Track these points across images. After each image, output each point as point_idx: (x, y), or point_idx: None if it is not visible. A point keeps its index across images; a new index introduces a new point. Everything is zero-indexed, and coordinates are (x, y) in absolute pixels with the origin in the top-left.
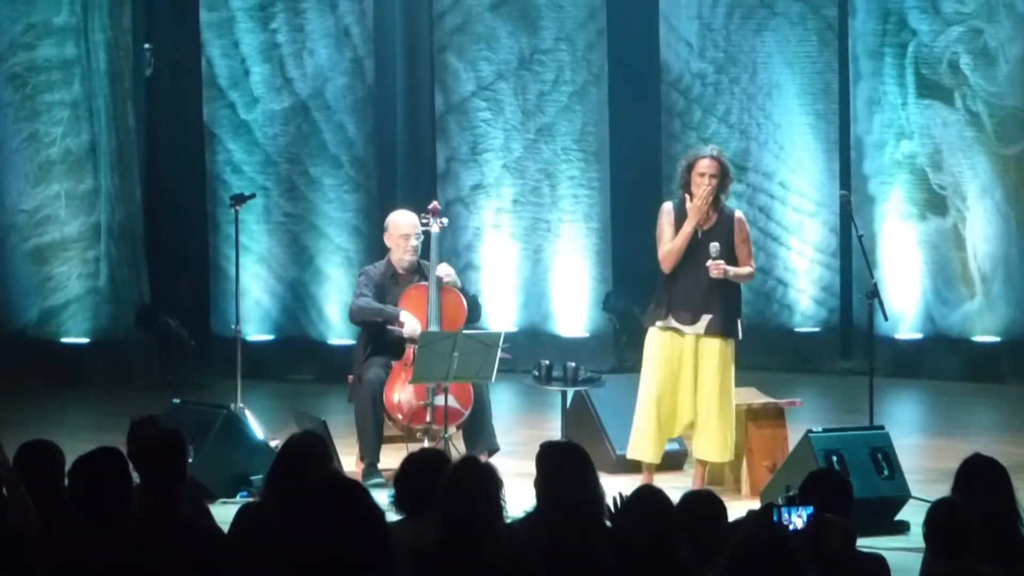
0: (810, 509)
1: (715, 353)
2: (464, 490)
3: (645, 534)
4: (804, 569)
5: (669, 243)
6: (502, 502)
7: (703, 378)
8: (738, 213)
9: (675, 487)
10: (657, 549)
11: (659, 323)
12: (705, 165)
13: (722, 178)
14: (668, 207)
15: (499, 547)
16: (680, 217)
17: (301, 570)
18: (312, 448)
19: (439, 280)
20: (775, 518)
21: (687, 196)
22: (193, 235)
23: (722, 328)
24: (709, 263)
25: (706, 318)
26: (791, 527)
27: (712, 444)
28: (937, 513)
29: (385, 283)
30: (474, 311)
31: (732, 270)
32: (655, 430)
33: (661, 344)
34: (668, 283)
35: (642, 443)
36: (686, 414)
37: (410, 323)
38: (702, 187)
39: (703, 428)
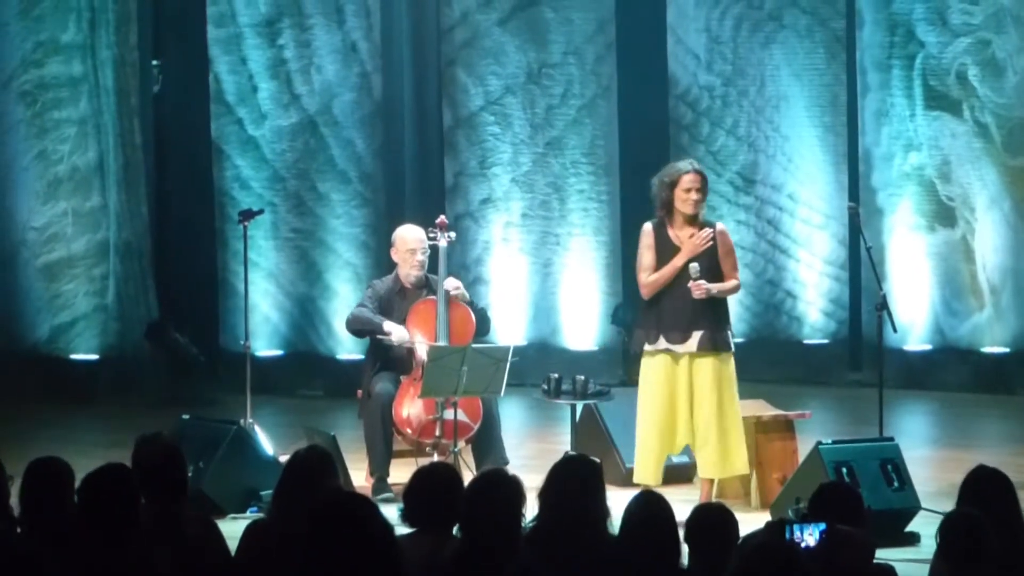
0: (822, 526)
1: (709, 370)
2: (488, 503)
3: (645, 541)
4: None
5: (649, 271)
6: (522, 516)
7: (699, 397)
8: (720, 226)
9: (685, 500)
10: (658, 556)
11: (648, 346)
12: (690, 180)
13: (705, 191)
14: (647, 229)
15: (515, 561)
16: (660, 239)
17: None
18: (317, 463)
19: (447, 294)
20: (787, 535)
21: (665, 216)
22: (202, 251)
23: (713, 343)
24: (691, 284)
25: (696, 335)
26: (803, 544)
27: (712, 461)
28: (953, 524)
29: (392, 298)
30: (483, 324)
31: (715, 287)
32: (657, 453)
33: (656, 367)
34: (653, 305)
35: (646, 467)
36: (683, 435)
37: (397, 332)
38: (687, 203)
39: (703, 447)
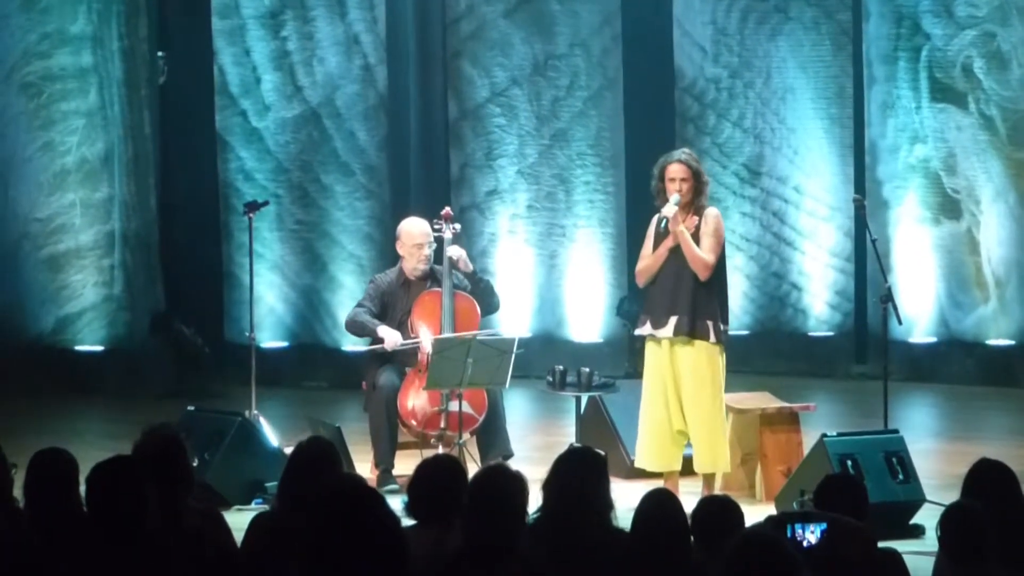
0: (823, 525)
1: (687, 358)
2: (491, 499)
3: (656, 539)
4: (799, 568)
5: (647, 258)
6: (526, 512)
7: (682, 385)
8: (711, 210)
9: (691, 492)
10: (668, 553)
11: (638, 331)
12: (673, 170)
13: (695, 181)
14: (654, 219)
15: (517, 557)
16: (659, 229)
17: None
18: (320, 454)
19: (452, 287)
20: (788, 534)
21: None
22: (206, 243)
23: (688, 329)
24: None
25: (673, 320)
26: (804, 543)
27: (696, 454)
28: (952, 517)
29: (396, 291)
30: (488, 298)
31: (687, 236)
32: (651, 438)
33: (648, 352)
34: (644, 291)
35: (641, 451)
36: (677, 421)
37: (389, 336)
38: (672, 192)
39: (693, 438)
